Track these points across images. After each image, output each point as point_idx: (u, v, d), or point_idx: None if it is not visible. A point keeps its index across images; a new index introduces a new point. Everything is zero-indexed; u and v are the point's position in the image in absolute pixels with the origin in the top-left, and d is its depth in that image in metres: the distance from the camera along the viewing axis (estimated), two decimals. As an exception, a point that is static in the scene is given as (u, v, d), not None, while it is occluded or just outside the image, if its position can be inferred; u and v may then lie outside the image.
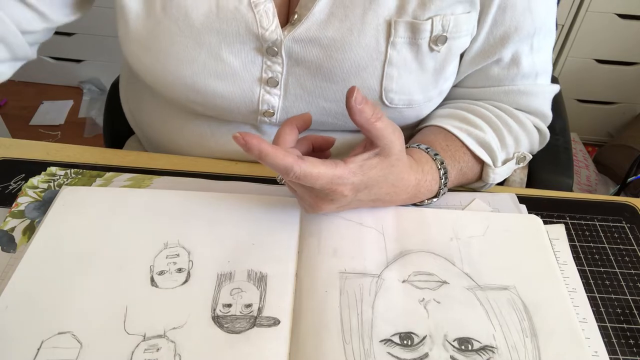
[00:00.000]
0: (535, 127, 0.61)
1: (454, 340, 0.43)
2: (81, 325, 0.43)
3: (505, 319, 0.44)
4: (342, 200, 0.47)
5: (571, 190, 0.71)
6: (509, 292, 0.46)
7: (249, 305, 0.44)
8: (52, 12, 0.56)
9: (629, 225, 0.55)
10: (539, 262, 0.49)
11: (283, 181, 0.56)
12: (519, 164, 0.59)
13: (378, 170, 0.46)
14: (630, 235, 0.54)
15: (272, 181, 0.58)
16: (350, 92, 0.42)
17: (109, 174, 0.57)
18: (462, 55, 0.58)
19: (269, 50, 0.52)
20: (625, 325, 0.46)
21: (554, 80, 0.64)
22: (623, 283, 0.50)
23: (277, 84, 0.55)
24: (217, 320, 0.43)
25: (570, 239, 0.53)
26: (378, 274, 0.47)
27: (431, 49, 0.53)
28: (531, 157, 0.60)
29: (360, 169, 0.45)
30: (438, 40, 0.53)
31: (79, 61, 1.94)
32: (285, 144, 0.46)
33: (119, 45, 0.58)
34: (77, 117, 1.88)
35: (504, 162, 0.58)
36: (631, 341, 0.45)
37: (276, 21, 0.51)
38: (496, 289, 0.47)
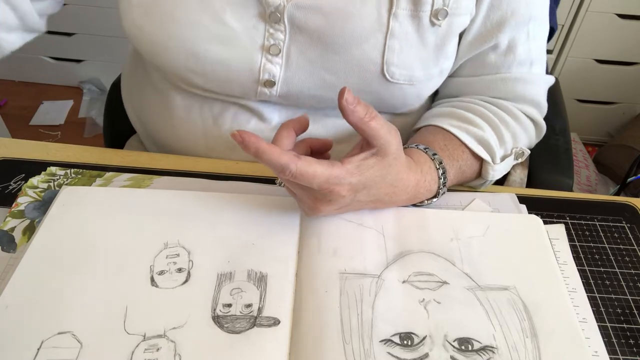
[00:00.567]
0: (530, 119, 0.61)
1: (454, 341, 0.43)
2: (81, 325, 0.43)
3: (506, 319, 0.44)
4: (340, 201, 0.46)
5: (571, 190, 0.71)
6: (509, 292, 0.46)
7: (249, 305, 0.44)
8: None
9: (629, 225, 0.55)
10: (539, 262, 0.49)
11: (282, 184, 0.56)
12: (517, 160, 0.59)
13: (376, 170, 0.46)
14: (630, 235, 0.54)
15: (272, 181, 0.58)
16: (341, 93, 0.42)
17: (109, 174, 0.57)
18: (460, 39, 0.58)
19: (271, 16, 0.52)
20: (625, 325, 0.46)
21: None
22: (623, 283, 0.50)
23: (279, 52, 0.54)
24: (217, 320, 0.43)
25: (570, 239, 0.53)
26: (378, 275, 0.47)
27: (432, 23, 0.53)
28: (529, 152, 0.60)
29: (357, 169, 0.45)
30: (439, 13, 0.53)
31: (79, 61, 1.94)
32: (282, 146, 0.46)
33: (119, 44, 0.58)
34: (77, 117, 1.88)
35: (503, 159, 0.58)
36: (631, 341, 0.45)
37: None
38: (496, 289, 0.47)
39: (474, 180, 0.59)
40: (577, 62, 1.68)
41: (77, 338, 0.42)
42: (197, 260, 0.48)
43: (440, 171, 0.53)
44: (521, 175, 0.72)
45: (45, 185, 0.56)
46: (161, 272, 0.47)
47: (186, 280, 0.46)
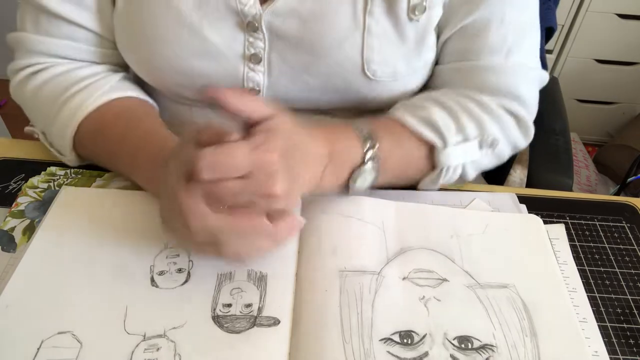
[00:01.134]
0: (509, 112, 0.56)
1: (454, 339, 0.43)
2: (81, 325, 0.43)
3: (505, 317, 0.44)
4: (276, 169, 0.40)
5: (571, 190, 0.71)
6: (508, 290, 0.46)
7: (249, 305, 0.44)
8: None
9: (629, 225, 0.55)
10: (539, 262, 0.49)
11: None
12: (483, 148, 0.54)
13: (282, 140, 0.41)
14: (630, 235, 0.54)
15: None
16: (211, 98, 0.40)
17: (108, 174, 0.57)
18: None
19: (249, 25, 0.53)
20: (625, 325, 0.46)
21: (554, 80, 0.63)
22: (623, 283, 0.50)
23: (261, 61, 0.55)
24: (217, 320, 0.43)
25: (570, 239, 0.53)
26: (378, 271, 0.47)
27: (410, 19, 0.53)
28: (499, 142, 0.55)
29: (268, 136, 0.41)
30: (416, 9, 0.52)
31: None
32: None
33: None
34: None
35: (458, 144, 0.53)
36: (631, 341, 0.45)
37: None
38: (496, 287, 0.47)
39: (429, 171, 0.55)
40: (577, 62, 1.68)
41: (77, 338, 0.42)
42: (197, 261, 0.48)
43: (361, 133, 0.50)
44: (521, 175, 0.72)
45: (45, 185, 0.56)
46: (161, 273, 0.47)
47: (186, 281, 0.46)
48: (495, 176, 0.93)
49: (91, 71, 0.58)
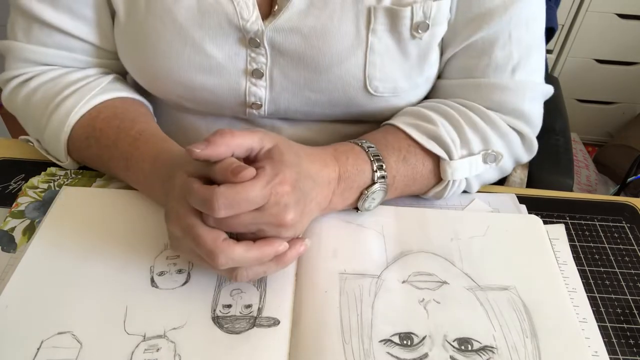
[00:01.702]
0: (515, 130, 0.56)
1: (453, 341, 0.43)
2: (81, 325, 0.43)
3: (505, 319, 0.44)
4: (291, 200, 0.42)
5: (571, 190, 0.71)
6: (509, 292, 0.46)
7: (248, 306, 0.44)
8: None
9: (629, 225, 0.55)
10: (539, 262, 0.49)
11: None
12: (487, 163, 0.54)
13: (292, 171, 0.42)
14: (630, 235, 0.54)
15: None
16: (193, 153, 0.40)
17: (109, 174, 0.57)
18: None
19: (251, 41, 0.53)
20: (625, 325, 0.46)
21: (554, 80, 0.63)
22: (623, 283, 0.50)
23: (263, 76, 0.55)
24: (217, 320, 0.43)
25: (570, 239, 0.53)
26: (378, 275, 0.47)
27: (413, 36, 0.53)
28: (502, 156, 0.54)
29: (277, 169, 0.41)
30: (419, 27, 0.52)
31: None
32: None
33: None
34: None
35: (463, 158, 0.53)
36: (631, 341, 0.45)
37: (256, 12, 0.51)
38: (496, 289, 0.47)
39: (435, 184, 0.54)
40: (577, 62, 1.68)
41: (76, 338, 0.42)
42: (197, 261, 0.48)
43: (369, 149, 0.50)
44: (521, 175, 0.72)
45: (45, 185, 0.56)
46: (161, 273, 0.47)
47: (186, 281, 0.46)
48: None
49: (82, 74, 0.57)
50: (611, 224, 0.56)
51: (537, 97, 0.57)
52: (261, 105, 0.57)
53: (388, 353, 0.41)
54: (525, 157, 0.59)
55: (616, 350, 0.44)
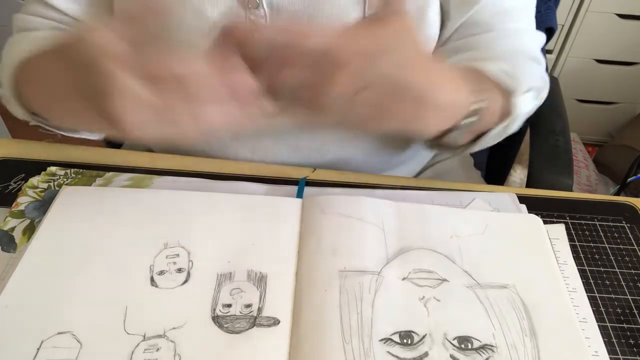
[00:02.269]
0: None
1: (453, 339, 0.43)
2: (81, 325, 0.43)
3: (505, 317, 0.44)
4: (350, 67, 0.35)
5: (571, 190, 0.71)
6: (508, 290, 0.46)
7: (248, 305, 0.44)
8: None
9: (629, 225, 0.55)
10: (539, 262, 0.49)
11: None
12: (536, 101, 0.55)
13: (393, 31, 0.36)
14: (630, 235, 0.54)
15: (272, 181, 0.58)
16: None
17: (109, 174, 0.57)
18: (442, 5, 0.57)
19: (250, 2, 0.53)
20: (625, 325, 0.46)
21: (554, 80, 0.63)
22: (623, 283, 0.50)
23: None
24: (217, 320, 0.43)
25: (570, 239, 0.53)
26: (378, 271, 0.47)
27: None
28: (542, 90, 0.56)
29: (363, 29, 0.36)
30: None
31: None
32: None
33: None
34: (77, 117, 1.88)
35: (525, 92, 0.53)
36: (631, 341, 0.45)
37: None
38: (496, 288, 0.47)
39: (499, 122, 0.53)
40: (577, 62, 1.68)
41: (76, 338, 0.42)
42: (197, 261, 0.48)
43: (466, 74, 0.47)
44: (521, 175, 0.72)
45: (45, 185, 0.56)
46: (161, 272, 0.47)
47: (186, 281, 0.46)
48: (495, 176, 0.93)
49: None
50: (611, 224, 0.56)
51: (539, 42, 0.61)
52: None
53: (388, 352, 0.41)
54: (545, 93, 0.59)
55: (616, 350, 0.44)
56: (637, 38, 1.60)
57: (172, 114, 0.36)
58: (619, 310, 0.47)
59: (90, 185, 0.56)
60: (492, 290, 0.46)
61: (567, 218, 0.56)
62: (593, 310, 0.47)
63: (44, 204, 0.53)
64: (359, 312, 0.44)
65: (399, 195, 0.56)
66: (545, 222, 0.54)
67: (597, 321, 0.46)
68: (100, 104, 0.37)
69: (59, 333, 0.42)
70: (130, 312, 0.44)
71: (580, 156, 1.69)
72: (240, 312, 0.44)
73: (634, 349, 0.45)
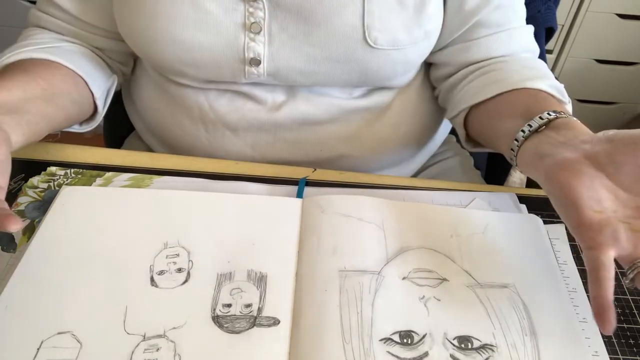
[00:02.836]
0: None
1: (454, 339, 0.43)
2: (81, 325, 0.43)
3: (505, 317, 0.44)
4: None
5: (571, 190, 0.71)
6: (508, 290, 0.46)
7: (248, 305, 0.44)
8: None
9: (629, 225, 0.55)
10: (539, 261, 0.49)
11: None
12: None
13: None
14: (630, 235, 0.54)
15: (272, 181, 0.58)
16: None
17: (109, 174, 0.57)
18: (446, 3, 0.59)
19: None
20: (625, 325, 0.46)
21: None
22: (623, 283, 0.50)
23: (261, 30, 0.55)
24: (217, 320, 0.43)
25: (571, 239, 0.53)
26: (378, 271, 0.47)
27: None
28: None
29: None
30: None
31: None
32: None
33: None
34: (77, 117, 1.88)
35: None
36: (631, 341, 0.45)
37: None
38: (496, 287, 0.47)
39: None
40: (577, 62, 1.68)
41: (76, 338, 0.42)
42: (197, 261, 0.48)
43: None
44: (521, 175, 0.72)
45: (45, 185, 0.56)
46: (161, 272, 0.47)
47: (186, 281, 0.46)
48: (495, 176, 0.93)
49: (48, 38, 0.61)
50: (611, 223, 0.55)
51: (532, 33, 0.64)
52: (260, 62, 0.57)
53: (388, 352, 0.41)
54: None
55: (616, 350, 0.44)
56: (637, 38, 1.60)
57: None
58: (619, 310, 0.47)
59: (90, 185, 0.56)
60: (492, 290, 0.46)
61: (567, 218, 0.56)
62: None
63: (44, 204, 0.53)
64: (359, 311, 0.44)
65: (399, 195, 0.56)
66: (545, 222, 0.54)
67: (597, 321, 0.46)
68: None
69: (59, 333, 0.42)
70: (130, 312, 0.44)
71: (580, 156, 1.69)
72: (240, 312, 0.44)
73: (634, 349, 0.44)
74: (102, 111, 0.64)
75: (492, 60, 0.60)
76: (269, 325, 0.43)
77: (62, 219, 0.51)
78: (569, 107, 0.55)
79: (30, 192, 0.55)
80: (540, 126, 0.47)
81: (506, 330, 0.43)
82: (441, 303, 0.45)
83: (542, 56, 0.65)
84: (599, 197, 0.39)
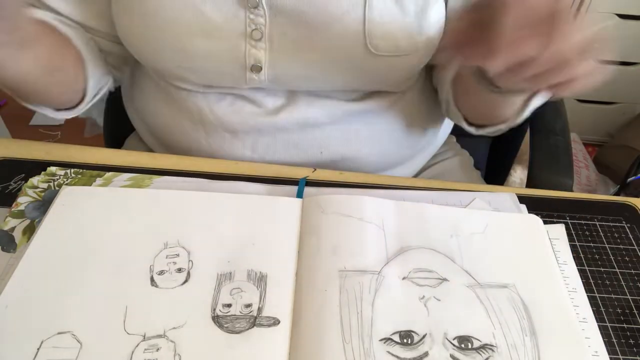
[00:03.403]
0: None
1: (454, 339, 0.43)
2: (81, 325, 0.43)
3: (505, 317, 0.44)
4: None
5: (571, 190, 0.71)
6: (508, 290, 0.46)
7: (248, 305, 0.44)
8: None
9: (629, 225, 0.55)
10: (539, 261, 0.49)
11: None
12: None
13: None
14: (630, 235, 0.54)
15: (272, 181, 0.58)
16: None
17: (109, 174, 0.57)
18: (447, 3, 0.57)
19: (250, 1, 0.53)
20: (625, 325, 0.46)
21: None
22: (623, 283, 0.50)
23: (262, 37, 0.55)
24: (217, 320, 0.43)
25: (570, 239, 0.53)
26: (378, 271, 0.47)
27: None
28: None
29: None
30: None
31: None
32: None
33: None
34: (77, 117, 1.88)
35: None
36: (631, 341, 0.45)
37: None
38: (495, 287, 0.47)
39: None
40: (577, 62, 1.68)
41: (76, 338, 0.42)
42: (197, 261, 0.48)
43: None
44: (521, 175, 0.72)
45: (45, 185, 0.56)
46: (161, 272, 0.47)
47: (186, 281, 0.46)
48: (495, 176, 0.93)
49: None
50: (611, 224, 0.56)
51: None
52: (261, 69, 0.57)
53: (388, 352, 0.41)
54: None
55: (616, 350, 0.44)
56: (637, 38, 1.60)
57: None
58: (619, 310, 0.47)
59: (90, 185, 0.56)
60: (492, 290, 0.46)
61: (567, 218, 0.56)
62: (593, 310, 0.47)
63: (44, 204, 0.53)
64: (359, 311, 0.44)
65: (399, 195, 0.56)
66: (545, 222, 0.54)
67: (597, 321, 0.46)
68: None
69: (59, 333, 0.42)
70: (130, 312, 0.44)
71: (580, 156, 1.69)
72: (240, 312, 0.44)
73: (634, 349, 0.45)
74: (87, 103, 0.63)
75: None
76: (269, 325, 0.43)
77: (62, 219, 0.51)
78: None
79: (30, 192, 0.55)
80: None
81: (506, 330, 0.43)
82: (441, 303, 0.45)
83: None
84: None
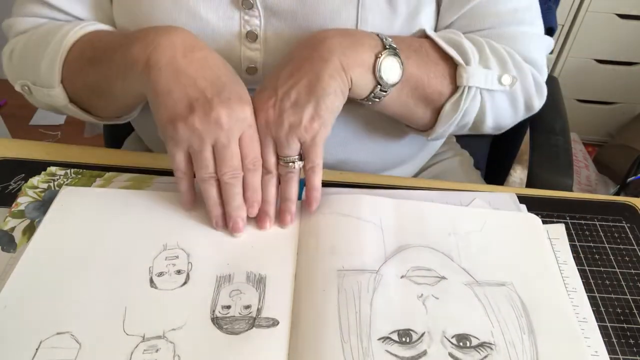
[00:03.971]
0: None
1: (452, 337, 0.43)
2: (80, 326, 0.43)
3: (503, 315, 0.44)
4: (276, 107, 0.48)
5: (571, 190, 0.71)
6: (506, 288, 0.46)
7: (248, 307, 0.44)
8: None
9: (629, 225, 0.55)
10: (537, 260, 0.49)
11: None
12: (502, 84, 0.54)
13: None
14: (630, 235, 0.54)
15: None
16: None
17: (109, 174, 0.57)
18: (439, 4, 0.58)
19: (244, 3, 0.54)
20: (625, 325, 0.46)
21: (554, 80, 0.63)
22: (623, 283, 0.50)
23: (257, 38, 0.55)
24: (216, 321, 0.43)
25: (570, 239, 0.53)
26: (376, 270, 0.47)
27: None
28: (517, 80, 0.55)
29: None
30: None
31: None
32: None
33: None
34: (77, 117, 1.88)
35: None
36: (631, 341, 0.45)
37: None
38: (494, 285, 0.47)
39: (449, 94, 0.54)
40: (577, 62, 1.68)
41: (75, 338, 0.42)
42: (196, 262, 0.48)
43: (381, 38, 0.51)
44: (521, 175, 0.72)
45: (45, 185, 0.56)
46: (160, 274, 0.47)
47: (185, 282, 0.46)
48: (495, 176, 0.93)
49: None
50: (611, 224, 0.56)
51: (543, 47, 0.59)
52: (257, 70, 0.57)
53: (387, 351, 0.41)
54: (537, 100, 0.59)
55: (616, 350, 0.44)
56: (637, 38, 1.60)
57: None
58: (619, 310, 0.47)
59: (90, 185, 0.56)
60: (490, 288, 0.46)
61: (567, 218, 0.56)
62: (593, 310, 0.47)
63: (44, 204, 0.53)
64: (357, 311, 0.44)
65: (399, 196, 0.56)
66: (545, 222, 0.54)
67: (597, 321, 0.46)
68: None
69: (58, 333, 0.42)
70: (129, 313, 0.44)
71: (580, 156, 1.69)
72: (240, 313, 0.44)
73: (634, 349, 0.44)
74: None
75: None
76: (268, 326, 0.43)
77: (62, 220, 0.51)
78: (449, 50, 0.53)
79: (30, 192, 0.55)
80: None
81: (504, 329, 0.43)
82: (439, 301, 0.45)
83: None
84: None
